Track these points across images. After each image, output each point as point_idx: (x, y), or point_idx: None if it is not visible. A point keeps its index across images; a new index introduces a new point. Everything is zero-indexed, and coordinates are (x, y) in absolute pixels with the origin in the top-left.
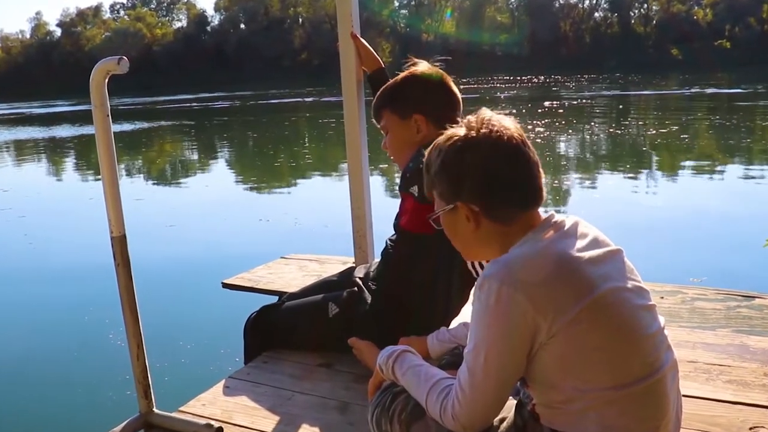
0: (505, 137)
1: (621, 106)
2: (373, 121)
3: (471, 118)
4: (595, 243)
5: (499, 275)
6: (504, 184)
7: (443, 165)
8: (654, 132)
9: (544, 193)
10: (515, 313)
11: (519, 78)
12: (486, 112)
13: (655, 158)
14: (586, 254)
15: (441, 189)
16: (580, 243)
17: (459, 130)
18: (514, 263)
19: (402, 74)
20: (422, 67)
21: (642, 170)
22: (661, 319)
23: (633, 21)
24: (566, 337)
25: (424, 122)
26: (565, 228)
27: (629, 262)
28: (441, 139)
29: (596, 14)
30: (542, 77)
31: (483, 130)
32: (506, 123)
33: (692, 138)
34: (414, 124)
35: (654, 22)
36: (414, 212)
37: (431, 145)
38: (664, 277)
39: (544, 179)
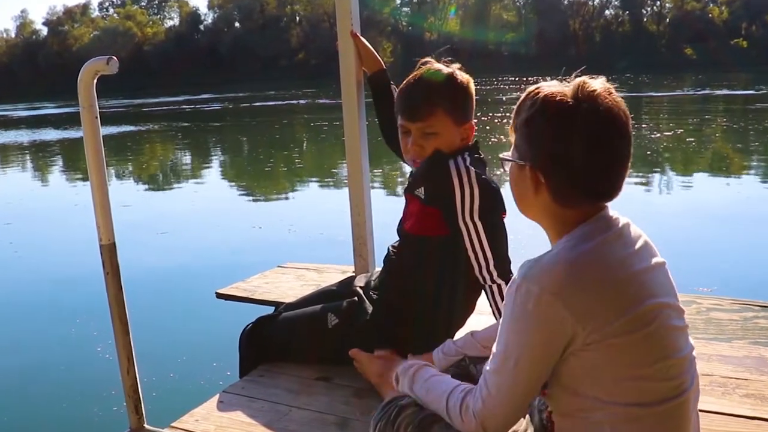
0: (608, 121)
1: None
2: (404, 117)
3: (586, 81)
4: (645, 251)
5: (540, 279)
6: (584, 172)
7: (532, 119)
8: (661, 135)
9: (621, 191)
10: (554, 322)
11: (525, 78)
12: (601, 83)
13: (662, 162)
14: (636, 263)
15: (519, 141)
16: (631, 249)
17: (567, 90)
18: (556, 266)
19: (447, 73)
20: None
21: (649, 175)
22: (692, 342)
23: (645, 19)
24: (601, 348)
25: (473, 130)
26: (618, 228)
27: (671, 278)
28: (547, 89)
29: (607, 12)
30: (549, 77)
31: (589, 105)
32: (615, 104)
33: (701, 142)
34: (465, 131)
35: (667, 20)
36: (420, 215)
37: (534, 88)
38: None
39: (627, 175)
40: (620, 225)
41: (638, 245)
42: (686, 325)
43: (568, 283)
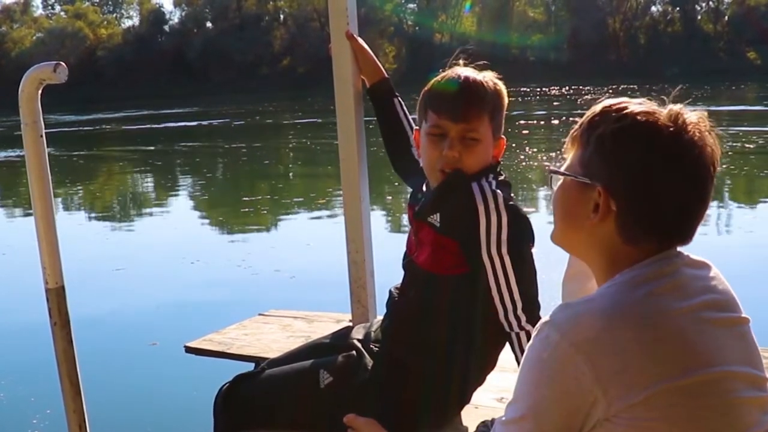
0: (707, 160)
1: None
2: (444, 116)
3: (683, 112)
4: (721, 304)
5: (564, 326)
6: (667, 210)
7: (619, 135)
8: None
9: (691, 239)
10: (569, 378)
11: (548, 90)
12: (700, 116)
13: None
14: (694, 322)
15: (592, 157)
16: (687, 302)
17: (662, 114)
18: (587, 315)
19: (489, 79)
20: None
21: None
22: None
23: (699, 17)
24: (629, 424)
25: (504, 146)
26: (676, 275)
27: (754, 338)
28: (638, 106)
29: (653, 8)
30: (588, 87)
31: (692, 139)
32: (714, 144)
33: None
34: (497, 146)
35: (726, 18)
36: (434, 247)
37: (616, 102)
38: None
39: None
40: (681, 271)
41: (703, 298)
42: (766, 395)
43: (597, 338)
